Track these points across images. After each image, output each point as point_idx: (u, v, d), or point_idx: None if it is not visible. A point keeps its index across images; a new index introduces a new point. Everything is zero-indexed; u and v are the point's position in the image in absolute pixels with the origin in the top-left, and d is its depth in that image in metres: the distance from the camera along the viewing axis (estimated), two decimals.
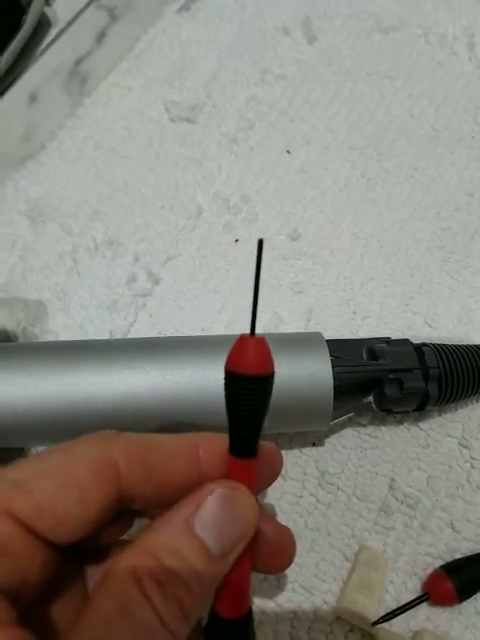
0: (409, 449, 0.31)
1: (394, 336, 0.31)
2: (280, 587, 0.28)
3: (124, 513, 0.19)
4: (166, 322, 0.34)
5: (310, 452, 0.30)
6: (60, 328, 0.34)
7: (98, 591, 0.15)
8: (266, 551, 0.19)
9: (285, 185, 0.39)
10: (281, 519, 0.29)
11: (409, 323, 0.34)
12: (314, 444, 0.31)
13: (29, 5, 0.41)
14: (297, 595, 0.28)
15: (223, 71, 0.43)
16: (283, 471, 0.30)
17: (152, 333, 0.34)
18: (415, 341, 0.30)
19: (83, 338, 0.33)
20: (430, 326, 0.34)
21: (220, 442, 0.19)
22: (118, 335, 0.34)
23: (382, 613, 0.27)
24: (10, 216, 0.37)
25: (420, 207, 0.38)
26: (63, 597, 0.18)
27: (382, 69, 0.43)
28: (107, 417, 0.25)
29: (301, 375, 0.26)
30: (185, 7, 0.46)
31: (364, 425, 0.31)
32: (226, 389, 0.17)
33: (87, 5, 0.45)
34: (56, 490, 0.16)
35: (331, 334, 0.32)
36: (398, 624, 0.27)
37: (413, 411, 0.30)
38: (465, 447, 0.31)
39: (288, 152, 0.40)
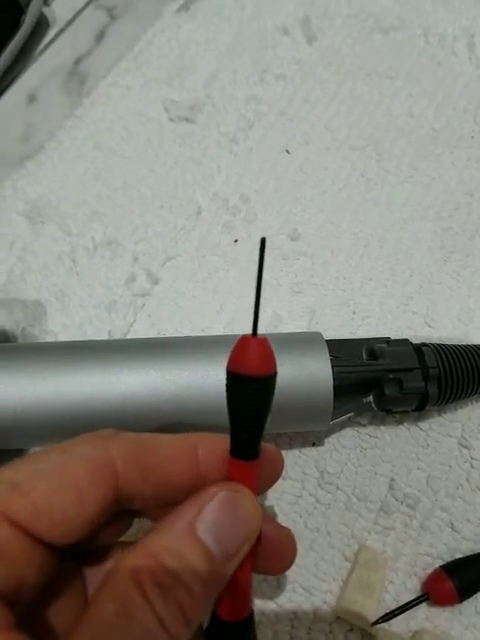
0: (409, 449, 0.31)
1: (394, 336, 0.31)
2: (280, 587, 0.28)
3: (123, 513, 0.19)
4: (165, 322, 0.34)
5: (310, 452, 0.30)
6: (59, 328, 0.34)
7: (99, 593, 0.15)
8: (267, 552, 0.19)
9: (285, 185, 0.39)
10: (280, 519, 0.29)
11: (409, 323, 0.34)
12: (314, 444, 0.31)
13: (28, 5, 0.41)
14: (297, 595, 0.28)
15: (222, 71, 0.43)
16: (282, 471, 0.30)
17: (151, 333, 0.34)
18: (415, 341, 0.30)
19: (82, 338, 0.33)
20: (430, 326, 0.34)
21: (219, 442, 0.19)
22: (117, 335, 0.33)
23: (382, 613, 0.26)
24: (9, 216, 0.37)
25: (420, 207, 0.38)
26: (62, 599, 0.18)
27: (382, 69, 0.43)
28: (106, 418, 0.25)
29: (301, 375, 0.26)
30: (184, 7, 0.46)
31: (364, 425, 0.31)
32: (228, 390, 0.17)
33: (86, 5, 0.45)
34: (53, 491, 0.16)
35: (331, 334, 0.32)
36: (398, 624, 0.27)
37: (413, 411, 0.30)
38: (465, 447, 0.31)
39: (287, 152, 0.40)
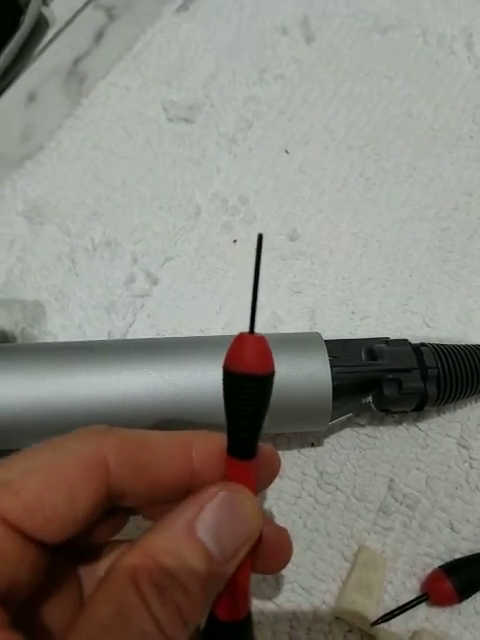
0: (408, 449, 0.31)
1: (393, 336, 0.31)
2: (279, 587, 0.28)
3: (117, 511, 0.19)
4: (164, 323, 0.34)
5: (309, 452, 0.30)
6: (58, 329, 0.34)
7: (95, 594, 0.15)
8: (263, 552, 0.19)
9: (284, 185, 0.39)
10: (279, 520, 0.29)
11: (408, 323, 0.34)
12: (313, 444, 0.31)
13: (27, 5, 0.41)
14: (296, 595, 0.28)
15: (221, 71, 0.43)
16: (281, 471, 0.30)
17: (150, 334, 0.34)
18: (414, 341, 0.30)
19: (81, 339, 0.33)
20: (429, 326, 0.34)
21: (214, 441, 0.19)
22: (116, 336, 0.33)
23: (381, 613, 0.26)
24: (8, 216, 0.37)
25: (419, 207, 0.38)
26: (57, 598, 0.18)
27: (381, 69, 0.43)
28: (106, 419, 0.25)
29: (300, 375, 0.26)
30: (183, 7, 0.45)
31: (363, 425, 0.31)
32: (224, 388, 0.17)
33: (85, 5, 0.45)
34: (44, 489, 0.16)
35: (330, 334, 0.32)
36: (397, 624, 0.27)
37: (412, 411, 0.30)
38: (464, 447, 0.31)
39: (287, 152, 0.40)
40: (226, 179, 0.39)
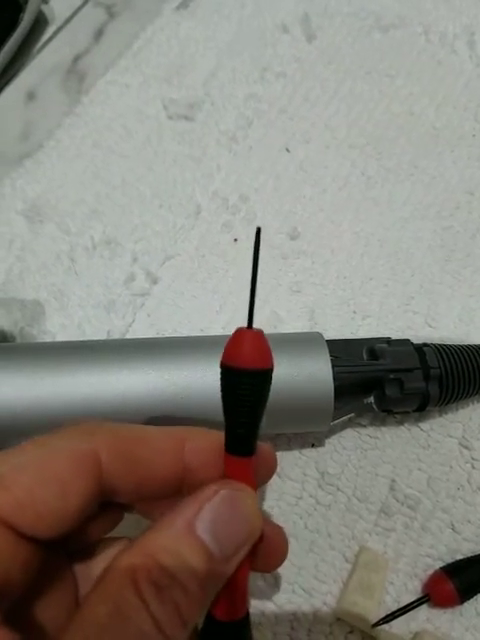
0: (409, 450, 0.31)
1: (394, 336, 0.31)
2: (280, 588, 0.28)
3: (111, 507, 0.19)
4: (164, 322, 0.34)
5: (310, 453, 0.30)
6: (57, 328, 0.33)
7: (93, 592, 0.15)
8: (260, 550, 0.19)
9: (284, 184, 0.38)
10: (280, 520, 0.29)
11: (410, 323, 0.34)
12: (313, 445, 0.30)
13: (26, 2, 0.41)
14: (297, 596, 0.27)
15: (222, 69, 0.43)
16: (282, 472, 0.30)
17: (150, 333, 0.33)
18: (416, 341, 0.30)
19: (81, 338, 0.33)
20: (431, 326, 0.34)
21: (207, 437, 0.19)
22: (116, 335, 0.33)
23: (382, 614, 0.26)
24: (7, 215, 0.37)
25: (421, 206, 0.38)
26: (51, 596, 0.18)
27: (382, 67, 0.43)
28: (105, 418, 0.25)
29: (301, 375, 0.26)
30: (184, 4, 0.45)
31: (364, 426, 0.31)
32: (222, 384, 0.16)
33: (85, 2, 0.45)
34: (35, 484, 0.16)
35: (331, 334, 0.32)
36: (398, 626, 0.27)
37: (414, 411, 0.30)
38: (466, 448, 0.31)
39: (287, 150, 0.40)
40: (226, 177, 0.39)
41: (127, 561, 0.15)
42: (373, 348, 0.29)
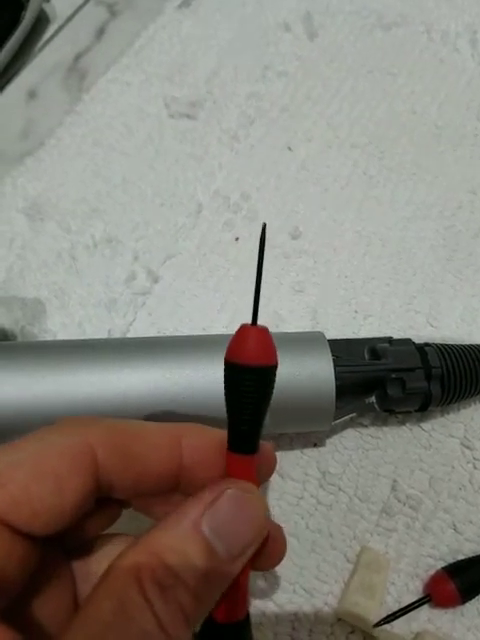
0: (411, 450, 0.30)
1: (396, 336, 0.31)
2: (281, 588, 0.27)
3: (108, 503, 0.18)
4: (165, 321, 0.34)
5: (311, 453, 0.30)
6: (58, 327, 0.33)
7: (96, 590, 0.15)
8: (259, 550, 0.19)
9: (286, 183, 0.38)
10: (281, 520, 0.29)
11: (411, 322, 0.34)
12: (315, 445, 0.30)
13: (28, 1, 0.41)
14: (298, 597, 0.27)
15: (223, 67, 0.42)
16: (284, 472, 0.30)
17: (151, 332, 0.33)
18: (417, 341, 0.30)
19: (82, 337, 0.33)
20: (433, 325, 0.34)
21: (205, 434, 0.19)
22: (117, 334, 0.33)
23: (383, 615, 0.26)
24: (8, 214, 0.37)
25: (423, 205, 0.38)
26: (49, 593, 0.17)
27: (384, 66, 0.43)
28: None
29: (303, 375, 0.26)
30: (185, 3, 0.45)
31: (366, 426, 0.31)
32: (226, 381, 0.16)
33: (86, 1, 0.44)
34: (31, 481, 0.15)
35: (333, 334, 0.32)
36: (399, 626, 0.27)
37: (415, 411, 0.29)
38: (468, 448, 0.31)
39: (289, 149, 0.40)
40: (228, 176, 0.38)
41: (131, 559, 0.15)
42: (375, 348, 0.29)
